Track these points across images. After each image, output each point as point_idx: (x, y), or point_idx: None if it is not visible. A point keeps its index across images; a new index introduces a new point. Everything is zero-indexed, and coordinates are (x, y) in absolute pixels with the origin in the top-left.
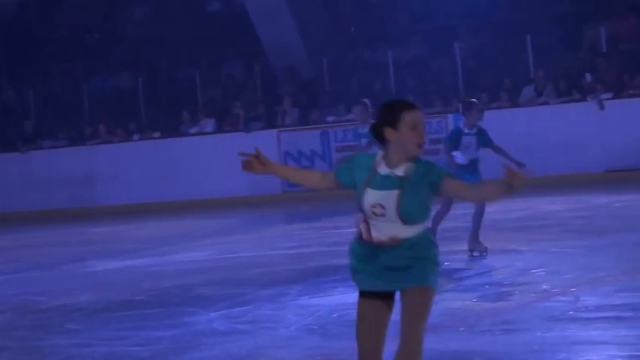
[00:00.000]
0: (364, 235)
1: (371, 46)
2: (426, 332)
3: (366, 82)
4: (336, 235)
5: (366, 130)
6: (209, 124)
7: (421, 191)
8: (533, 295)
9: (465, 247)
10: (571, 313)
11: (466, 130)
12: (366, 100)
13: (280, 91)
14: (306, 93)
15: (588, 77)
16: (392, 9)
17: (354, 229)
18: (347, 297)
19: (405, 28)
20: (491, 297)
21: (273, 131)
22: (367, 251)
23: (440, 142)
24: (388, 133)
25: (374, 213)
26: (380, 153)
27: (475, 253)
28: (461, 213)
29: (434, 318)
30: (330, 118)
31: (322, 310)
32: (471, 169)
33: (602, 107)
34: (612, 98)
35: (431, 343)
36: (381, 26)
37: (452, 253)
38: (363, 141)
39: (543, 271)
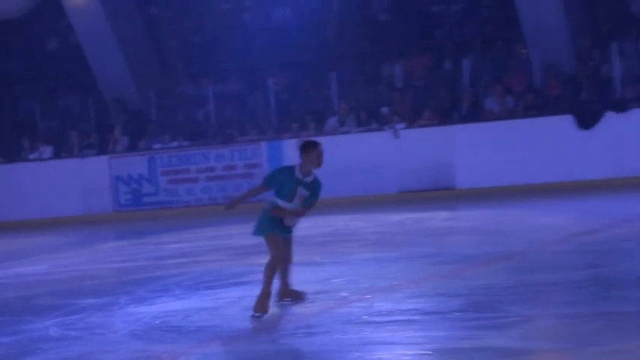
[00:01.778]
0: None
1: (193, 81)
2: (238, 337)
3: (190, 113)
4: (160, 250)
5: None
6: (47, 150)
7: None
8: (333, 302)
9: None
10: (366, 317)
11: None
12: None
13: (112, 121)
14: (134, 123)
15: (385, 110)
16: (212, 48)
17: None
18: (168, 305)
19: (224, 66)
20: (296, 304)
21: (105, 157)
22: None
23: (256, 167)
24: None
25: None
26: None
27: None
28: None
29: (245, 323)
30: (156, 145)
31: (146, 317)
32: None
33: (397, 136)
34: (406, 128)
35: (241, 345)
36: (203, 63)
37: (258, 266)
38: None
39: (342, 280)
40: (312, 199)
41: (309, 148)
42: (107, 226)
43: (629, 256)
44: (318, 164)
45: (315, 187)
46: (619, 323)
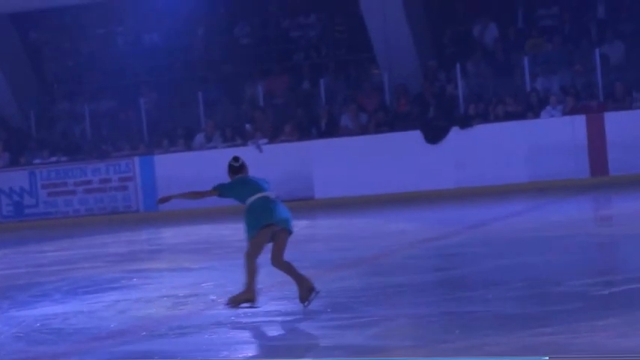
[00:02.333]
0: None
1: (70, 100)
2: (114, 337)
3: (68, 130)
4: (40, 258)
5: None
6: None
7: None
8: (203, 304)
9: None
10: (233, 318)
11: None
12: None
13: None
14: (16, 139)
15: (248, 127)
16: (87, 69)
17: None
18: (48, 309)
19: (99, 86)
20: (168, 306)
21: None
22: None
23: (130, 180)
24: None
25: None
26: None
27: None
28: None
29: (119, 325)
30: (36, 161)
31: (28, 321)
32: None
33: (260, 150)
34: (268, 143)
35: (118, 345)
36: (79, 84)
37: (132, 272)
38: None
39: (211, 285)
40: None
41: (245, 167)
42: None
43: (474, 260)
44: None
45: None
46: (466, 322)
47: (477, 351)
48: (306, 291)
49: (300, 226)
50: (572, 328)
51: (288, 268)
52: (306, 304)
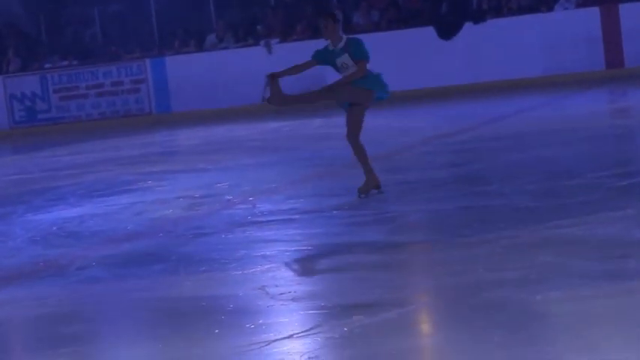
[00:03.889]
0: None
1: (79, 4)
2: (130, 239)
3: (78, 34)
4: (54, 163)
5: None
6: None
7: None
8: (218, 204)
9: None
10: (249, 218)
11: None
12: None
13: (5, 44)
14: (26, 44)
15: (260, 28)
16: None
17: None
18: (64, 213)
19: None
20: (184, 207)
21: (0, 77)
22: None
23: (142, 82)
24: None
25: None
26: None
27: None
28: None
29: (136, 226)
30: (47, 65)
31: (44, 224)
32: None
33: (270, 51)
34: (280, 42)
35: (135, 246)
36: None
37: (145, 174)
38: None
39: (226, 185)
40: (354, 58)
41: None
42: (3, 142)
43: (489, 154)
44: (324, 35)
45: (349, 46)
46: (483, 216)
47: (493, 244)
48: (372, 185)
49: (314, 124)
50: (590, 219)
51: (363, 151)
52: (362, 196)
